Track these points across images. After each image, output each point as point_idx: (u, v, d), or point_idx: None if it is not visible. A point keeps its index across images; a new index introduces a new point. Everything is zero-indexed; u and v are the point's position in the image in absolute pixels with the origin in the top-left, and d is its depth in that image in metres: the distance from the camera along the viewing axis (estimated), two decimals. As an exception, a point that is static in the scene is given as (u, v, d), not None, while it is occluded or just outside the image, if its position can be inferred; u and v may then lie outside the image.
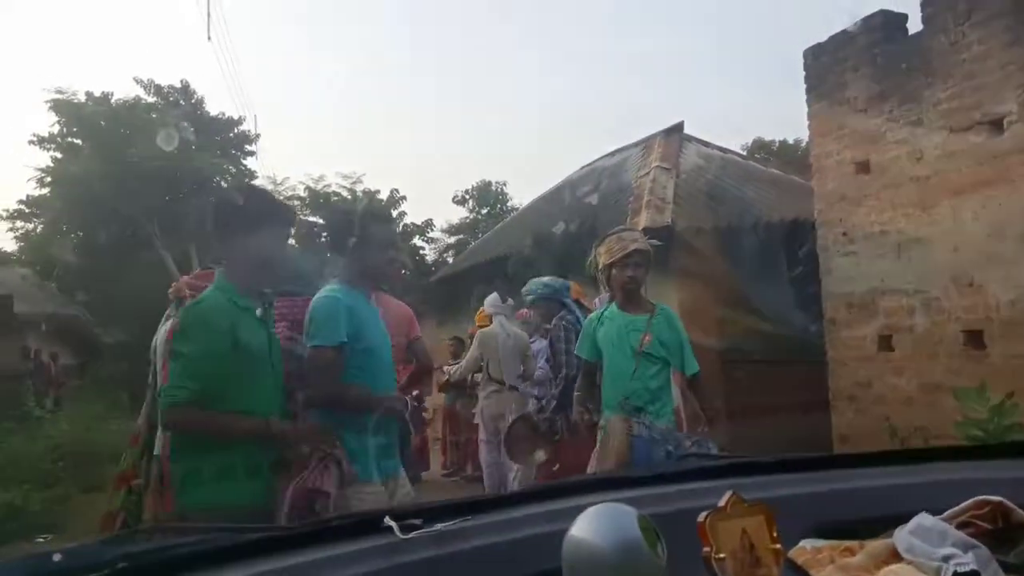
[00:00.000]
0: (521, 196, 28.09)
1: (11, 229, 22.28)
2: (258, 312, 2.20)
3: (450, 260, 22.96)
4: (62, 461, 7.98)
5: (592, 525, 0.82)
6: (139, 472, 3.83)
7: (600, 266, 3.34)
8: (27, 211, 21.71)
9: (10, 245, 22.53)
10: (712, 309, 7.15)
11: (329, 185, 26.19)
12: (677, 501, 1.08)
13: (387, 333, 2.68)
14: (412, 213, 28.00)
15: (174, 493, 2.18)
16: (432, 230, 27.47)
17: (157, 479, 2.59)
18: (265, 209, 2.27)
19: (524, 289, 4.96)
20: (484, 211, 27.55)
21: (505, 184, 27.63)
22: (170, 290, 4.21)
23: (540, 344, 5.46)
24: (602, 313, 3.39)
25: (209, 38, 28.50)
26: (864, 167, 6.62)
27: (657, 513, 0.87)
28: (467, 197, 28.61)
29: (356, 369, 2.41)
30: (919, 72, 6.08)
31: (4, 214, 21.78)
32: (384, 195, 26.22)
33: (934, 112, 5.94)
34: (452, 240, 27.43)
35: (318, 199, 26.18)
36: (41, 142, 19.76)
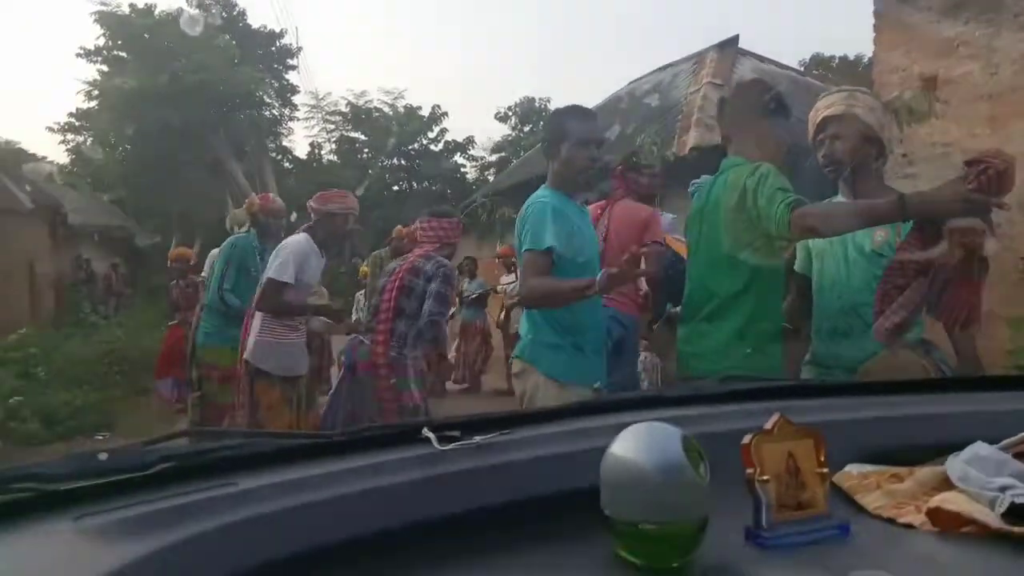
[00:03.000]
0: (565, 113, 27.41)
1: (62, 142, 22.79)
2: None
3: (491, 178, 22.78)
4: (116, 365, 8.38)
5: (634, 443, 0.80)
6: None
7: None
8: (76, 124, 22.09)
9: (62, 158, 23.03)
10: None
11: (371, 100, 26.04)
12: (721, 422, 1.05)
13: (596, 238, 2.81)
14: (453, 130, 27.61)
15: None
16: (473, 147, 27.23)
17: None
18: None
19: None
20: (527, 128, 27.03)
21: (549, 100, 26.90)
22: (248, 208, 4.36)
23: None
24: None
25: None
26: (931, 83, 6.24)
27: (700, 433, 0.84)
28: (509, 114, 28.07)
29: (562, 274, 2.45)
30: (1002, -23, 5.63)
31: (55, 127, 22.25)
32: (426, 111, 25.96)
33: (1015, 23, 5.52)
34: (494, 158, 27.13)
35: (360, 114, 26.07)
36: (88, 55, 19.87)
